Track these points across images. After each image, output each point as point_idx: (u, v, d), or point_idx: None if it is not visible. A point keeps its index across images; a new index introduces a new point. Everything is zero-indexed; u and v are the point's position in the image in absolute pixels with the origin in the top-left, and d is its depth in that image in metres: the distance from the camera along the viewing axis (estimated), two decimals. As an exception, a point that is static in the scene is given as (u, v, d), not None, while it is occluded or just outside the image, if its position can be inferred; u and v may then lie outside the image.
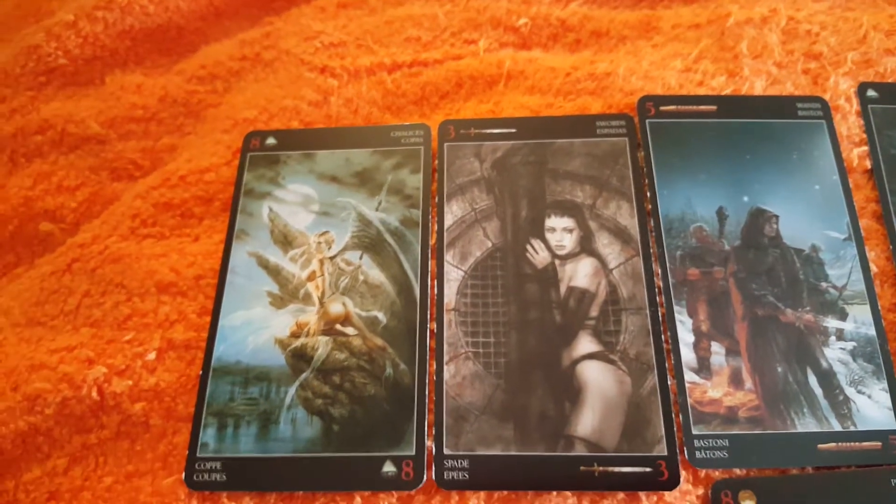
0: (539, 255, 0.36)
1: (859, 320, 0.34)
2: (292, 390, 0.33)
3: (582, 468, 0.31)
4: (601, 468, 0.31)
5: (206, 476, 0.32)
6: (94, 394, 0.34)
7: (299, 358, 0.34)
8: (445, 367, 0.34)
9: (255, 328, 0.34)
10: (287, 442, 0.32)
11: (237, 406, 0.33)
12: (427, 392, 0.33)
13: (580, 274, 0.36)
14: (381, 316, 0.34)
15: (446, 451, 0.32)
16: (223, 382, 0.33)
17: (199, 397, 0.33)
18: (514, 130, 0.39)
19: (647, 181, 0.37)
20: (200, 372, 0.34)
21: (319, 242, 0.36)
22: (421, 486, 0.31)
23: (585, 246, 0.36)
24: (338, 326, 0.34)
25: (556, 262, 0.36)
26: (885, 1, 0.42)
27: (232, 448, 0.32)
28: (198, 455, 0.32)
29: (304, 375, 0.33)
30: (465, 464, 0.32)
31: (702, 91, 0.39)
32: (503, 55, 0.41)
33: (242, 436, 0.32)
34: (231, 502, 0.31)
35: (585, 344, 0.34)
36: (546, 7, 0.43)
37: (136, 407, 0.33)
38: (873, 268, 0.35)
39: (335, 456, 0.32)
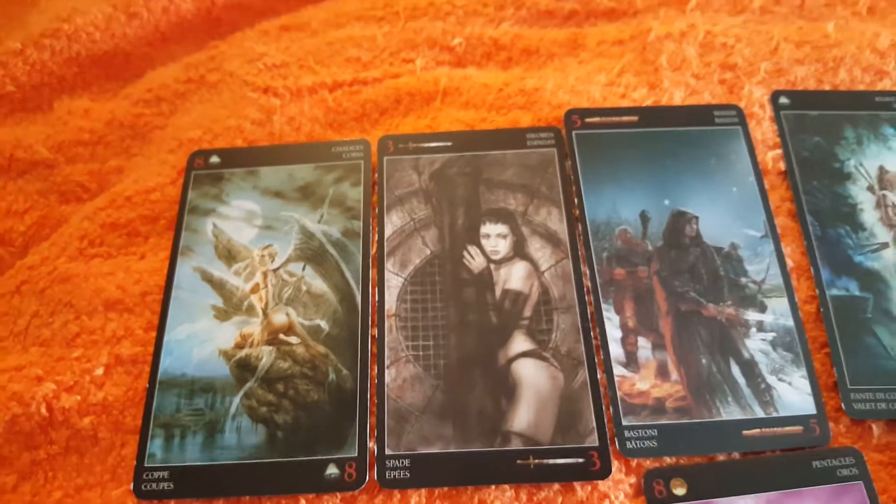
0: (475, 261, 0.40)
1: (778, 312, 0.39)
2: (237, 400, 0.36)
3: (518, 462, 0.35)
4: (536, 461, 0.35)
5: (153, 485, 0.35)
6: (43, 410, 0.37)
7: (243, 368, 0.37)
8: (387, 371, 0.37)
9: (200, 341, 0.38)
10: (233, 450, 0.35)
11: (183, 417, 0.36)
12: (369, 396, 0.37)
13: (514, 277, 0.40)
14: (323, 324, 0.38)
15: (388, 452, 0.35)
16: (169, 394, 0.37)
17: (145, 409, 0.36)
18: (449, 144, 0.43)
19: (574, 188, 0.42)
20: (147, 385, 0.37)
21: (263, 255, 0.40)
22: (364, 486, 0.34)
23: (518, 250, 0.40)
24: (281, 336, 0.38)
25: (492, 266, 0.40)
26: (795, 14, 0.48)
27: (179, 457, 0.35)
28: (145, 465, 0.35)
29: (248, 385, 0.36)
30: (407, 463, 0.35)
31: (625, 103, 0.44)
32: (439, 73, 0.46)
33: (189, 445, 0.35)
34: (178, 510, 0.35)
35: (520, 343, 0.38)
36: (479, 27, 0.48)
37: (85, 421, 0.36)
38: (789, 262, 0.40)
39: (280, 461, 0.35)
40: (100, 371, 0.38)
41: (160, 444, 0.35)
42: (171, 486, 0.34)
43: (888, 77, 0.45)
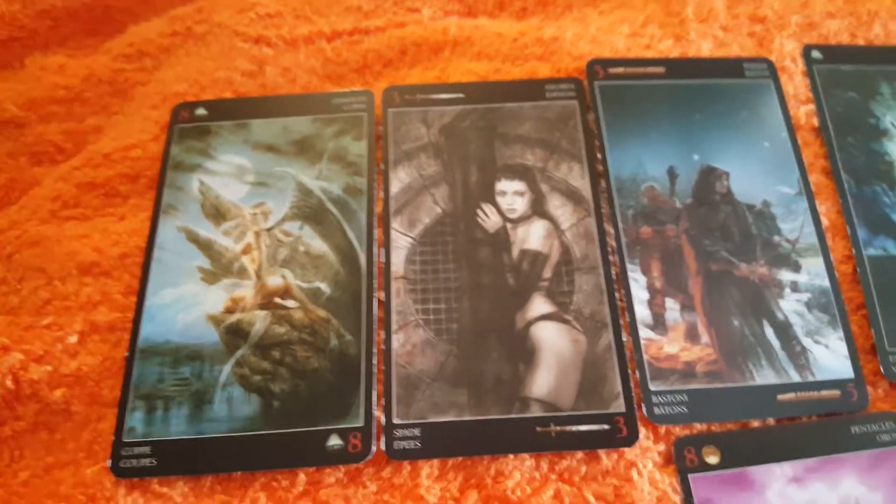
0: (490, 220, 0.38)
1: (813, 272, 0.38)
2: (227, 368, 0.34)
3: (538, 429, 0.33)
4: (558, 428, 0.33)
5: (134, 462, 0.32)
6: (9, 382, 0.34)
7: (234, 334, 0.35)
8: (394, 336, 0.35)
9: (186, 305, 0.35)
10: (222, 422, 0.33)
11: (167, 387, 0.34)
12: (375, 362, 0.35)
13: (532, 236, 0.38)
14: (324, 287, 0.36)
15: (396, 421, 0.33)
16: (151, 363, 0.34)
17: (125, 380, 0.34)
18: (461, 95, 0.41)
19: (597, 143, 0.40)
20: (127, 354, 0.35)
21: (255, 214, 0.38)
22: (370, 457, 0.32)
23: (537, 208, 0.39)
24: (277, 300, 0.36)
25: (508, 225, 0.38)
26: (825, -33, 0.47)
27: (162, 431, 0.33)
28: (124, 440, 0.33)
29: (239, 352, 0.34)
30: (417, 432, 0.33)
31: (650, 54, 0.42)
32: (448, 22, 0.44)
33: (173, 418, 0.33)
34: (163, 488, 0.32)
35: (539, 305, 0.36)
36: (491, -24, 0.46)
37: (56, 394, 0.34)
38: (824, 221, 0.39)
39: (275, 433, 0.32)
40: (73, 339, 0.35)
41: (141, 417, 0.33)
42: (154, 462, 0.32)
43: (922, 31, 0.45)
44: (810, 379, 0.35)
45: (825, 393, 0.35)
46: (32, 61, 0.48)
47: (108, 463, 0.32)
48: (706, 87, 0.41)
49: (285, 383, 0.34)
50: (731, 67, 0.42)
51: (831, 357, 0.35)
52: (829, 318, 0.36)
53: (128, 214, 0.40)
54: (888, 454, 0.33)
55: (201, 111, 0.41)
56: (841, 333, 0.36)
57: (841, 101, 0.42)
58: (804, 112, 0.41)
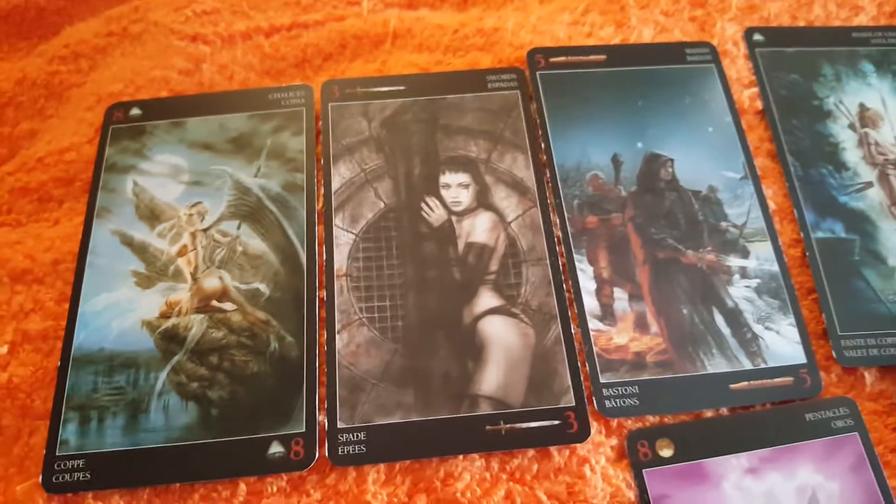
0: (435, 213, 0.37)
1: (762, 257, 0.37)
2: (163, 375, 0.32)
3: (488, 427, 0.32)
4: (508, 426, 0.32)
5: (67, 476, 0.30)
6: (-68, 398, 0.32)
7: (170, 340, 0.33)
8: (338, 336, 0.34)
9: (121, 311, 0.33)
10: (159, 432, 0.31)
11: (101, 397, 0.32)
12: (318, 364, 0.33)
13: (478, 229, 0.37)
14: (263, 288, 0.34)
15: (340, 425, 0.32)
16: (85, 373, 0.32)
17: (57, 391, 0.32)
18: (402, 88, 0.40)
19: (541, 132, 0.39)
20: (59, 363, 0.33)
21: (191, 214, 0.36)
22: (313, 464, 0.31)
23: (482, 200, 0.37)
24: (214, 303, 0.34)
25: (453, 218, 0.37)
26: (767, -50, 0.47)
27: (96, 443, 0.31)
28: (57, 454, 0.31)
29: (175, 358, 0.32)
30: (362, 436, 0.31)
31: (591, 42, 0.41)
32: (389, 14, 0.43)
33: (108, 429, 0.31)
34: (97, 502, 0.30)
35: (486, 299, 0.35)
36: (433, -33, 0.45)
37: (-17, 409, 0.32)
38: (771, 205, 0.38)
39: (214, 442, 0.31)
40: (3, 349, 0.33)
41: (74, 429, 0.31)
42: (88, 475, 0.30)
43: (863, 12, 0.44)
44: (762, 366, 0.34)
45: (778, 380, 0.34)
46: (-36, 66, 0.46)
47: (40, 478, 0.31)
48: (648, 74, 0.41)
49: (224, 390, 0.32)
50: (672, 53, 0.41)
51: (783, 343, 0.35)
52: (780, 304, 0.35)
53: (62, 219, 0.38)
54: (843, 441, 0.32)
55: (136, 111, 0.39)
56: (792, 319, 0.35)
57: (784, 83, 0.41)
58: (748, 95, 0.40)
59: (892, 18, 0.44)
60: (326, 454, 0.31)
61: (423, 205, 0.37)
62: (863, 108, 0.41)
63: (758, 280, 0.36)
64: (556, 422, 0.32)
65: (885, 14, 0.44)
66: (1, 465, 0.31)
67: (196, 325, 0.33)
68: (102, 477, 0.30)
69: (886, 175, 0.39)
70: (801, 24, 0.43)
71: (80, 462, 0.30)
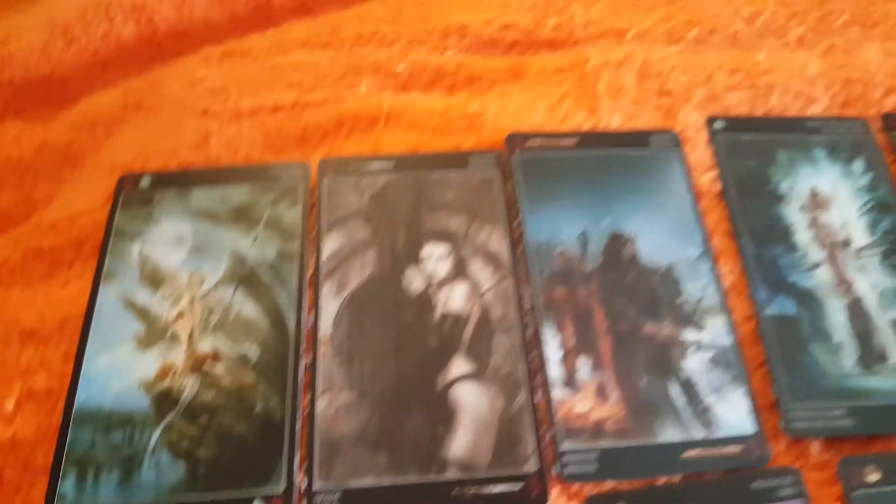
0: (415, 283, 0.39)
1: (715, 331, 0.39)
2: (156, 434, 0.34)
3: (454, 492, 0.33)
4: (473, 490, 0.33)
5: (61, 530, 0.32)
6: (-58, 450, 0.34)
7: (164, 400, 0.35)
8: (319, 399, 0.35)
9: (120, 372, 0.35)
10: (150, 488, 0.33)
11: (98, 453, 0.33)
12: (299, 426, 0.35)
13: (454, 298, 0.39)
14: (252, 352, 0.36)
15: (316, 486, 0.33)
16: (84, 430, 0.34)
17: (58, 446, 0.34)
18: (391, 165, 0.43)
19: (516, 209, 0.41)
20: (62, 419, 0.35)
21: (190, 280, 0.38)
22: (291, 523, 0.32)
23: (459, 271, 0.39)
24: (206, 365, 0.36)
25: (431, 288, 0.39)
26: (728, 44, 0.49)
27: (91, 498, 0.32)
28: (54, 508, 0.33)
29: (168, 418, 0.34)
30: (337, 497, 0.33)
31: (564, 128, 0.44)
32: (383, 97, 0.46)
33: (103, 484, 0.33)
34: (87, 556, 0.32)
35: (459, 366, 0.37)
36: (424, 55, 0.48)
37: (-11, 462, 0.34)
38: (726, 282, 0.40)
39: (201, 499, 0.32)
40: (10, 406, 0.35)
41: (72, 483, 0.32)
42: (82, 529, 0.32)
43: (817, 103, 0.47)
44: (714, 436, 0.35)
45: (728, 449, 0.35)
46: (-9, 130, 0.49)
47: (37, 531, 0.32)
48: (615, 158, 0.43)
49: (211, 449, 0.33)
50: (637, 139, 0.44)
51: (734, 413, 0.36)
52: (732, 376, 0.37)
53: (71, 281, 0.40)
54: (787, 508, 0.34)
55: (146, 181, 0.42)
56: (743, 390, 0.36)
57: (742, 168, 0.44)
58: (707, 179, 0.43)
59: (843, 108, 0.46)
60: (304, 515, 0.33)
61: (404, 274, 0.39)
62: (814, 192, 0.44)
63: (712, 352, 0.38)
64: (518, 486, 0.33)
65: (838, 104, 0.46)
66: (1, 515, 0.33)
67: (189, 387, 0.35)
68: (95, 530, 0.32)
69: (834, 256, 0.42)
70: (760, 113, 0.46)
71: (75, 515, 0.32)
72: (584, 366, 0.37)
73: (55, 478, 0.33)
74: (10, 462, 0.34)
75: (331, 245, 0.40)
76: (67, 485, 0.33)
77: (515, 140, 0.43)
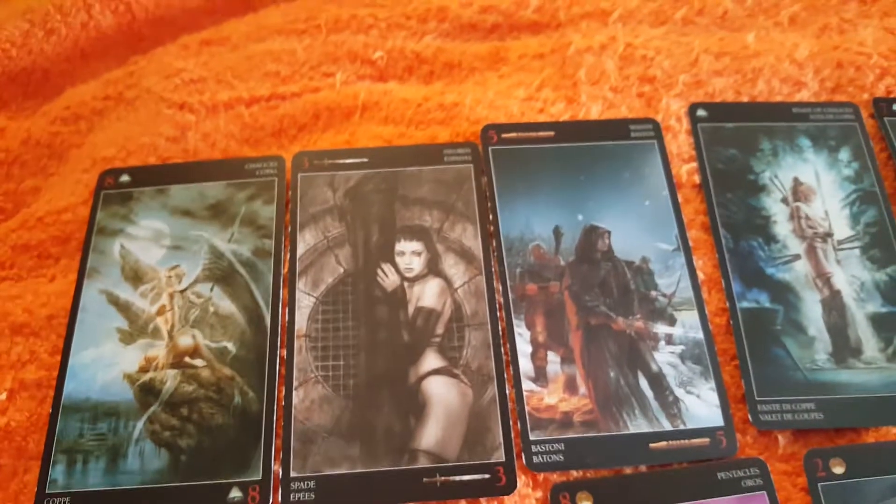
0: (389, 279, 0.41)
1: (687, 325, 0.41)
2: (140, 424, 0.37)
3: (425, 480, 0.36)
4: (443, 478, 0.36)
5: (54, 513, 0.36)
6: (-58, 438, 0.37)
7: (147, 392, 0.38)
8: (294, 392, 0.38)
9: (105, 364, 0.39)
10: (135, 474, 0.36)
11: (86, 442, 0.37)
12: (276, 418, 0.38)
13: (427, 294, 0.41)
14: (230, 346, 0.39)
15: (293, 474, 0.36)
16: (72, 420, 0.37)
17: (48, 435, 0.37)
18: (366, 160, 0.45)
19: (489, 204, 0.43)
20: (51, 410, 0.38)
21: (170, 276, 0.41)
22: (267, 509, 0.36)
23: (433, 267, 0.42)
24: (186, 359, 0.39)
25: (405, 284, 0.41)
26: (717, 25, 0.50)
27: (80, 483, 0.36)
28: (47, 492, 0.36)
29: (151, 409, 0.37)
30: (312, 485, 0.36)
31: (542, 118, 0.46)
32: (359, 87, 0.47)
33: (91, 470, 0.36)
34: (78, 537, 0.35)
35: (431, 360, 0.39)
36: (402, 41, 0.49)
37: (-15, 449, 0.37)
38: (701, 275, 0.42)
39: (182, 485, 0.36)
40: (2, 396, 0.39)
41: (62, 469, 0.36)
42: (72, 512, 0.36)
43: (805, 88, 0.47)
44: (681, 427, 0.38)
45: (695, 441, 0.38)
46: (-25, 124, 0.51)
47: (32, 513, 0.36)
48: (593, 150, 0.45)
49: (192, 439, 0.37)
50: (617, 129, 0.45)
51: (702, 406, 0.38)
52: (702, 370, 0.39)
53: (58, 275, 0.43)
54: (752, 498, 0.36)
55: (125, 178, 0.44)
56: (713, 384, 0.39)
57: (722, 157, 0.45)
58: (686, 170, 0.44)
59: (833, 94, 0.47)
60: (280, 501, 0.35)
61: (378, 271, 0.42)
62: (797, 183, 0.45)
63: (682, 347, 0.40)
64: (487, 475, 0.36)
65: (827, 90, 0.47)
66: (-1, 499, 0.37)
67: (170, 380, 0.38)
68: (85, 513, 0.36)
69: (814, 248, 0.43)
70: (745, 99, 0.47)
71: (66, 500, 0.35)
72: (553, 360, 0.39)
73: (46, 464, 0.36)
74: (5, 447, 0.38)
75: (305, 242, 0.42)
76: (58, 471, 0.36)
77: (491, 132, 0.45)
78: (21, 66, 0.52)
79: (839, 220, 0.44)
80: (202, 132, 0.46)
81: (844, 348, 0.40)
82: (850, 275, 0.42)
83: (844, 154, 0.46)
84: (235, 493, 0.35)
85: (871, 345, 0.40)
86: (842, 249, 0.43)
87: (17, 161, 0.49)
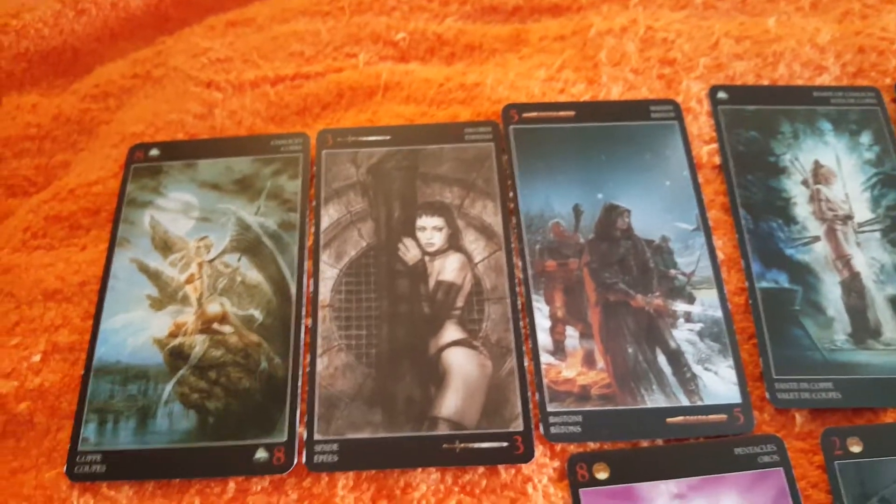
0: (410, 253, 0.44)
1: (706, 303, 0.42)
2: (169, 386, 0.40)
3: (444, 446, 0.38)
4: (462, 445, 0.38)
5: (86, 468, 0.38)
6: (-21, 397, 0.40)
7: (177, 356, 0.41)
8: (319, 359, 0.41)
9: (135, 330, 0.41)
10: (164, 434, 0.39)
11: (116, 403, 0.40)
12: (300, 383, 0.40)
13: (448, 269, 0.43)
14: (257, 314, 0.42)
15: (317, 437, 0.39)
16: (104, 381, 0.40)
17: (80, 396, 0.40)
18: (388, 137, 0.47)
19: (510, 182, 0.45)
20: (83, 372, 0.41)
21: (199, 247, 0.43)
22: (291, 469, 0.38)
23: (453, 243, 0.44)
24: (215, 325, 0.41)
25: (426, 258, 0.44)
26: (738, 9, 0.52)
27: (111, 442, 0.39)
28: (79, 449, 0.39)
29: (180, 372, 0.40)
30: (335, 447, 0.38)
31: (563, 98, 0.48)
32: (381, 68, 0.50)
33: (122, 430, 0.39)
34: (111, 491, 0.38)
35: (451, 332, 0.41)
36: (423, 22, 0.52)
37: (21, 406, 0.40)
38: (720, 255, 0.44)
39: (210, 445, 0.38)
40: (37, 358, 0.41)
41: (94, 428, 0.39)
42: (104, 468, 0.38)
43: (827, 72, 0.49)
44: (699, 403, 0.40)
45: (712, 417, 0.39)
46: (9, 100, 0.54)
47: (65, 468, 0.38)
48: (613, 130, 0.47)
49: (219, 401, 0.39)
50: (637, 110, 0.47)
51: (720, 383, 0.40)
52: (720, 347, 0.41)
53: (88, 245, 0.46)
54: (767, 474, 0.38)
55: (154, 152, 0.47)
56: (731, 361, 0.41)
57: (743, 139, 0.47)
58: (706, 151, 0.46)
59: (855, 78, 0.49)
60: (304, 461, 0.38)
61: (400, 245, 0.44)
62: (817, 165, 0.46)
63: (701, 324, 0.42)
64: (505, 444, 0.38)
65: (849, 74, 0.49)
66: (33, 455, 0.39)
67: (199, 345, 0.41)
68: (116, 470, 0.38)
69: (834, 230, 0.45)
70: (766, 82, 0.49)
71: (98, 457, 0.38)
72: (572, 335, 0.41)
73: (79, 423, 0.39)
74: (39, 407, 0.40)
75: (329, 216, 0.45)
76: (90, 429, 0.39)
77: (512, 112, 0.47)
78: (52, 45, 0.55)
79: (860, 202, 0.45)
80: (228, 110, 0.49)
81: (863, 329, 0.42)
82: (870, 257, 0.44)
83: (866, 138, 0.47)
84: (261, 454, 0.38)
85: (890, 326, 0.42)
86: (862, 232, 0.45)
87: (48, 136, 0.52)
